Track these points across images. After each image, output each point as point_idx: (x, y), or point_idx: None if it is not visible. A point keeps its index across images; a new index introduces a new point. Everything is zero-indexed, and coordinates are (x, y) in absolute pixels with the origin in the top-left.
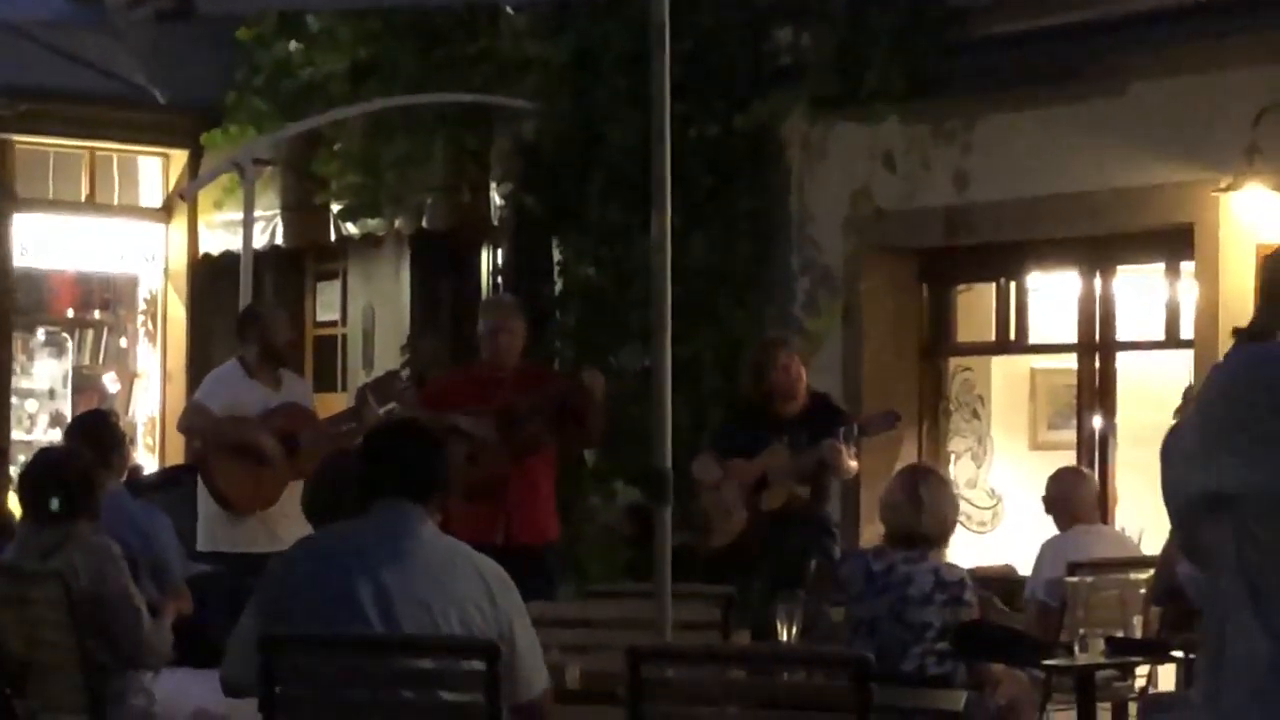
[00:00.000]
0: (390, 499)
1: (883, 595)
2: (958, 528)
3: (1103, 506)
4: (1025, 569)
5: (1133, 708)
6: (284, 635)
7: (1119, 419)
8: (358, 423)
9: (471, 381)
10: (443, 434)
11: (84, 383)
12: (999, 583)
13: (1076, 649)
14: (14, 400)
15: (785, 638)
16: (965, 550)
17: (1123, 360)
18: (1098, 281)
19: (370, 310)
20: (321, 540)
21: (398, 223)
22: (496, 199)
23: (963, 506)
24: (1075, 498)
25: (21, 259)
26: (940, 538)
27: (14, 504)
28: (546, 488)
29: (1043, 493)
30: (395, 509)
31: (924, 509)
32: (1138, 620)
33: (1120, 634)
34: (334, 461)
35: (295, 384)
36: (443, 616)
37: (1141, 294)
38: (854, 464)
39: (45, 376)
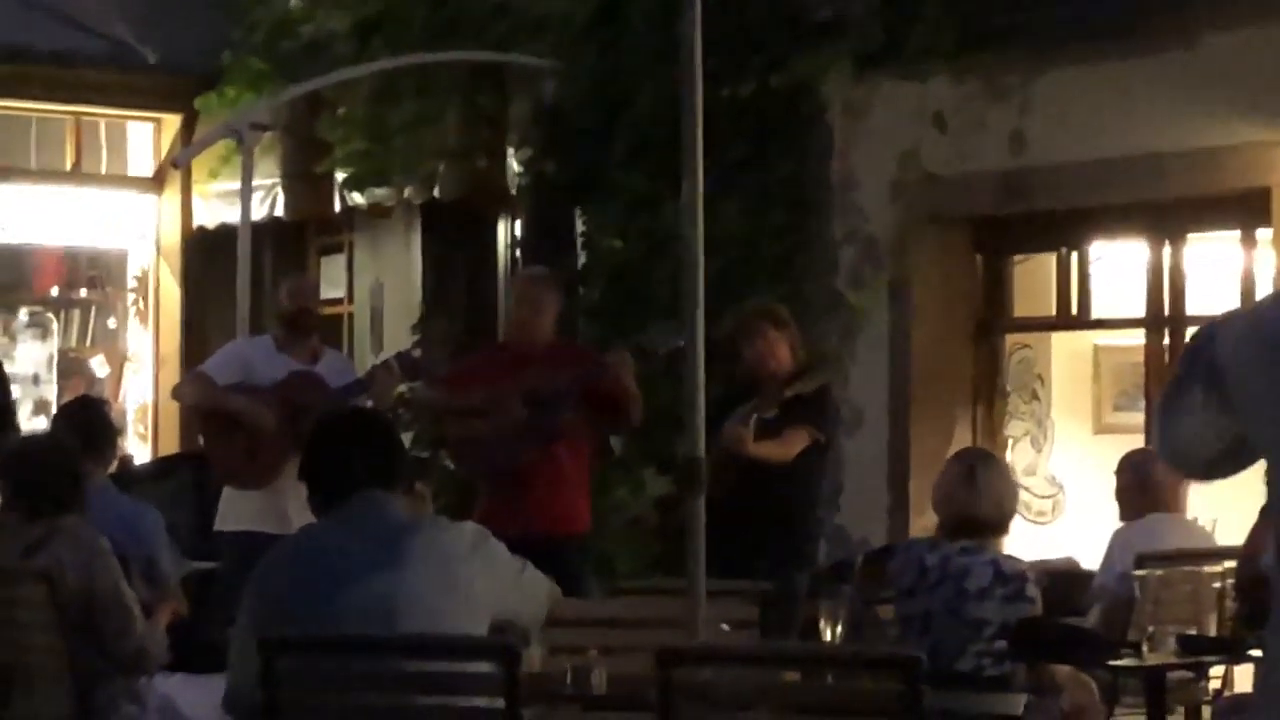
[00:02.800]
0: (361, 492)
1: (937, 589)
2: (1016, 518)
3: (1173, 495)
4: (1088, 563)
5: (1207, 711)
6: (287, 637)
7: None
8: (377, 388)
9: (498, 361)
10: (462, 415)
11: (70, 367)
12: (1061, 577)
13: (1145, 648)
14: None
15: (829, 637)
16: (1024, 542)
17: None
18: (1167, 250)
19: (378, 287)
20: (302, 547)
21: (407, 192)
22: (514, 166)
23: (1021, 495)
24: (1152, 482)
25: (2, 234)
26: (999, 525)
27: None
28: (576, 476)
29: (1112, 477)
30: (369, 503)
31: (981, 495)
32: (1212, 617)
33: (1193, 631)
34: None
35: (336, 361)
36: (448, 605)
37: (1214, 263)
38: (768, 449)
39: (28, 360)
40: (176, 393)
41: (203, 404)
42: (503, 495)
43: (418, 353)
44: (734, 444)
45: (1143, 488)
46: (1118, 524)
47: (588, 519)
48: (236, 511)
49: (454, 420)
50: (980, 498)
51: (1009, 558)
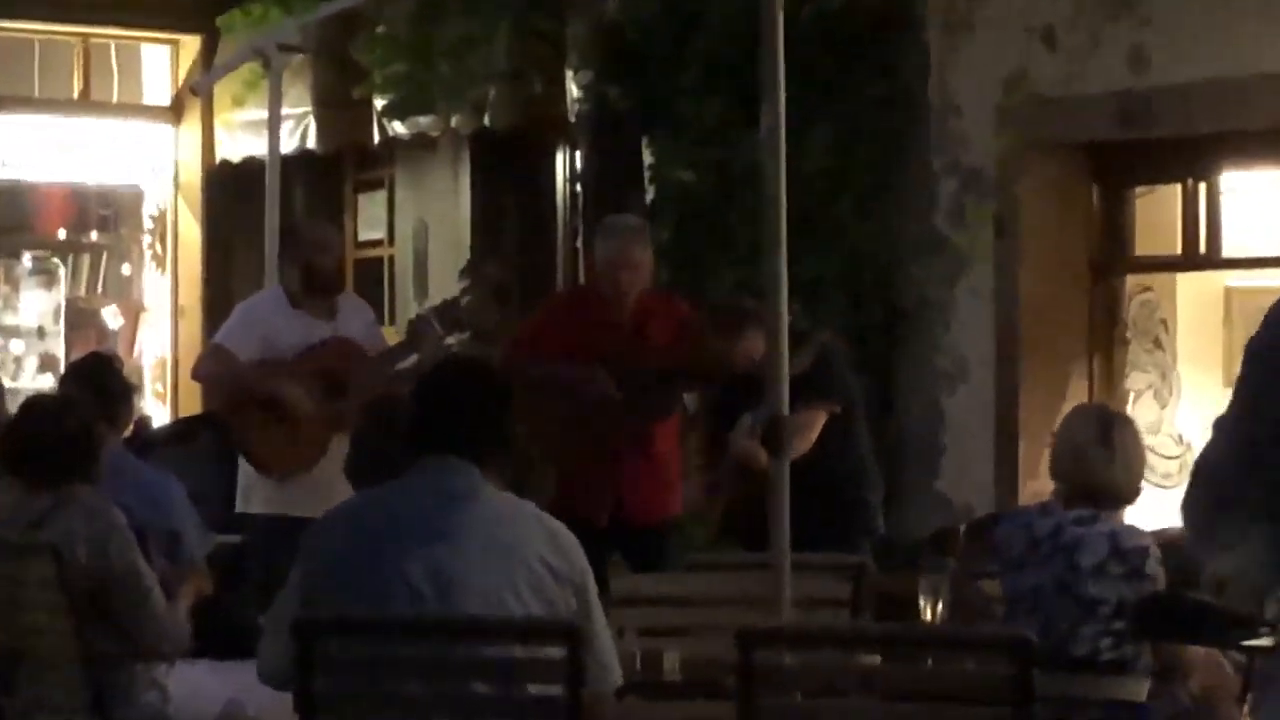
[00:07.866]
0: (441, 456)
1: (1048, 563)
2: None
3: None
4: None
5: None
6: (324, 618)
7: None
8: (418, 355)
9: (580, 324)
10: (545, 393)
11: (79, 318)
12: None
13: None
14: None
15: (929, 616)
16: (1147, 509)
17: None
18: None
19: (423, 227)
20: (361, 508)
21: (454, 120)
22: (574, 91)
23: None
24: None
25: (2, 170)
26: (1131, 495)
27: None
28: (671, 454)
29: None
30: (446, 468)
31: (1116, 459)
32: None
33: None
34: (379, 411)
35: (354, 313)
36: (510, 586)
37: None
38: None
39: (33, 311)
40: (199, 374)
41: (232, 387)
42: (590, 479)
43: (466, 299)
44: (748, 463)
45: None
46: None
47: (680, 499)
48: (265, 493)
49: (534, 393)
50: (1115, 462)
51: (1129, 529)
